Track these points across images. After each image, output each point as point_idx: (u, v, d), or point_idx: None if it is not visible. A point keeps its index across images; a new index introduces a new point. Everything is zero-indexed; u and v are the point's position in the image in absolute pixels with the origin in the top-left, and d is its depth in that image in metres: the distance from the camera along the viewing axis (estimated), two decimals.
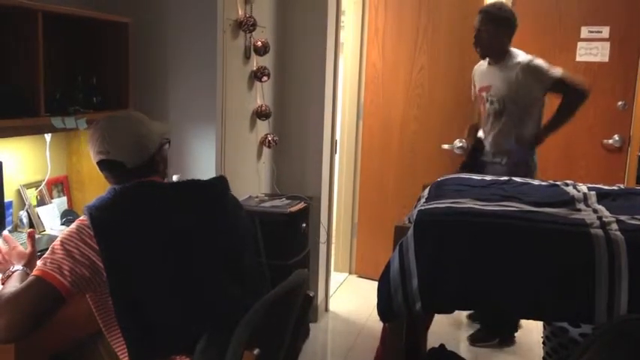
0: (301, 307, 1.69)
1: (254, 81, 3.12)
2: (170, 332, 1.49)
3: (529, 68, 3.07)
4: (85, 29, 2.42)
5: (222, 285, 1.59)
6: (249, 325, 1.41)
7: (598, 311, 1.67)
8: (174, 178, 2.55)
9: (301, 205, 3.11)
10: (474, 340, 3.29)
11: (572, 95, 3.09)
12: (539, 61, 3.10)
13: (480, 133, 3.36)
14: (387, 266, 1.89)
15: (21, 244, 1.71)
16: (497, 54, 3.17)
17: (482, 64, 3.33)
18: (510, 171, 2.96)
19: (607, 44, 3.81)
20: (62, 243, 1.47)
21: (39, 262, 1.48)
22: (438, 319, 3.09)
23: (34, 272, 1.46)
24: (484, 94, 3.24)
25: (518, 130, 3.14)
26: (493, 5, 3.24)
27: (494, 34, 3.13)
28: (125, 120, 1.69)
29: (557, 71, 3.08)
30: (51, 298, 1.42)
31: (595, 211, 1.91)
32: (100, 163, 1.64)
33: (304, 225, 3.14)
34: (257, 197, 3.16)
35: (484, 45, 3.17)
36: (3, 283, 1.58)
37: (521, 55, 3.16)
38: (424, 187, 2.39)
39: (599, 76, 3.81)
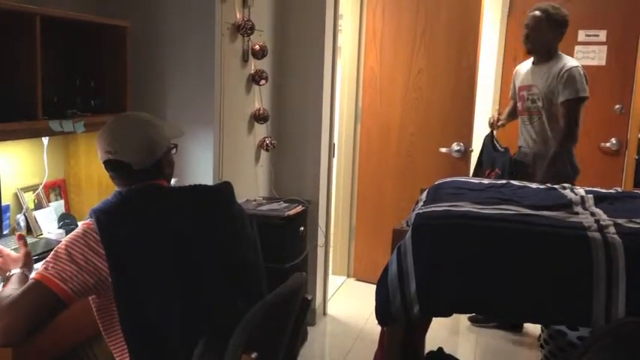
0: (299, 311, 1.69)
1: (252, 84, 3.12)
2: (170, 337, 1.49)
3: (568, 72, 3.11)
4: (83, 33, 2.42)
5: (224, 290, 1.59)
6: (247, 329, 1.41)
7: (596, 314, 1.67)
8: (172, 181, 2.55)
9: (299, 208, 3.11)
10: (473, 320, 3.46)
11: (565, 125, 3.12)
12: (580, 72, 3.12)
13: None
14: (385, 270, 1.89)
15: (14, 249, 1.71)
16: (546, 54, 3.22)
17: (525, 65, 3.38)
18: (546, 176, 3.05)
19: (604, 48, 3.83)
20: (67, 247, 1.46)
21: (40, 266, 1.47)
22: (437, 322, 3.09)
23: (35, 276, 1.45)
24: (524, 92, 3.29)
25: (554, 132, 3.17)
26: (552, 6, 3.26)
27: (547, 34, 3.19)
28: (135, 121, 1.68)
29: (580, 92, 3.09)
30: (51, 303, 1.41)
31: (592, 214, 1.91)
32: (106, 163, 1.62)
33: (302, 228, 3.14)
34: (255, 200, 3.16)
35: (536, 43, 3.22)
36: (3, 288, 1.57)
37: (568, 60, 3.21)
38: (422, 191, 2.39)
39: (597, 79, 3.82)
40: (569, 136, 3.14)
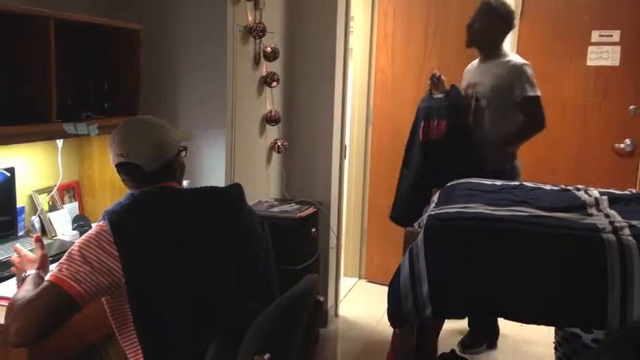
0: (311, 312, 1.69)
1: (264, 86, 3.13)
2: (183, 338, 1.50)
3: (517, 69, 2.99)
4: (96, 36, 2.44)
5: (236, 291, 1.59)
6: (259, 330, 1.41)
7: (610, 317, 1.66)
8: (185, 183, 2.56)
9: (311, 210, 3.11)
10: (464, 346, 3.23)
11: (532, 120, 3.00)
12: (530, 71, 3.01)
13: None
14: (397, 271, 1.89)
15: (31, 249, 1.73)
16: (489, 49, 3.10)
17: (474, 63, 3.26)
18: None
19: (617, 48, 3.79)
20: (80, 249, 1.48)
21: (54, 268, 1.48)
22: (449, 324, 3.08)
23: (49, 278, 1.46)
24: (470, 90, 3.16)
25: (497, 131, 3.04)
26: (496, 0, 3.12)
27: (489, 28, 3.06)
28: (146, 124, 1.69)
29: (535, 90, 2.99)
30: (65, 304, 1.42)
31: (607, 216, 1.89)
32: (118, 166, 1.64)
33: (314, 230, 3.14)
34: (266, 202, 3.16)
35: (478, 37, 3.10)
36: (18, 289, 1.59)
37: (515, 56, 3.11)
38: (434, 192, 2.39)
39: (610, 80, 3.79)
40: (537, 123, 3.01)
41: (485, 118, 3.07)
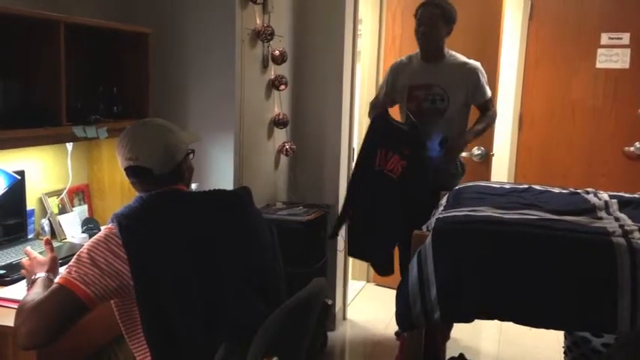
0: (319, 316, 1.69)
1: (272, 90, 3.14)
2: (192, 340, 1.50)
3: (477, 73, 3.03)
4: (106, 39, 2.46)
5: (244, 294, 1.60)
6: (267, 334, 1.41)
7: (621, 321, 1.64)
8: (193, 186, 2.57)
9: (319, 213, 3.11)
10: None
11: (493, 115, 3.15)
12: (483, 71, 3.07)
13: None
14: (406, 274, 1.88)
15: (41, 252, 1.74)
16: (440, 51, 3.07)
17: (410, 61, 3.16)
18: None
19: (627, 51, 3.78)
20: (89, 251, 1.48)
21: (64, 270, 1.49)
22: (458, 327, 3.07)
23: (58, 280, 1.47)
24: (420, 92, 3.05)
25: (455, 131, 3.03)
26: (446, 2, 3.03)
27: (444, 31, 3.02)
28: (154, 127, 1.70)
29: (489, 90, 3.10)
30: (74, 307, 1.43)
31: (617, 219, 1.88)
32: (127, 170, 1.64)
33: (322, 233, 3.14)
34: (275, 205, 3.17)
35: (433, 42, 3.03)
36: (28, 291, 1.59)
37: (463, 57, 3.09)
38: (442, 195, 2.38)
39: (620, 82, 3.77)
40: (494, 118, 3.17)
41: (445, 118, 3.03)
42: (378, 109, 3.15)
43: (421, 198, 2.72)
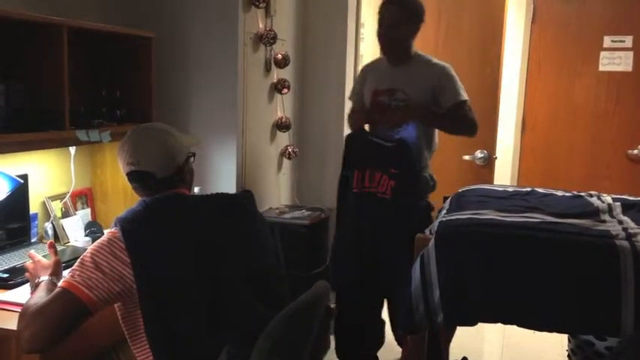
0: (322, 319, 1.69)
1: (274, 93, 3.14)
2: (195, 343, 1.50)
3: (447, 72, 2.69)
4: (109, 43, 2.46)
5: (247, 297, 1.60)
6: (270, 337, 1.41)
7: (624, 324, 1.64)
8: (196, 190, 2.58)
9: (321, 216, 3.11)
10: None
11: (469, 121, 2.68)
12: (453, 72, 2.72)
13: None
14: (409, 278, 1.88)
15: (44, 255, 1.74)
16: (406, 53, 2.72)
17: (379, 64, 2.84)
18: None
19: (630, 54, 3.77)
20: (92, 255, 1.48)
21: (67, 274, 1.49)
22: (461, 330, 3.06)
23: (62, 284, 1.47)
24: (384, 98, 2.71)
25: (421, 139, 2.67)
26: None
27: (408, 32, 2.68)
28: (154, 131, 1.71)
29: (465, 94, 2.69)
30: (77, 311, 1.43)
31: (620, 222, 1.88)
32: (130, 174, 1.65)
33: (324, 236, 3.14)
34: (277, 209, 3.17)
35: (396, 44, 2.69)
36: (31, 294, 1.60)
37: (432, 57, 2.77)
38: (445, 199, 2.38)
39: (623, 85, 3.77)
40: (472, 127, 2.69)
41: (408, 128, 2.63)
42: (354, 120, 2.84)
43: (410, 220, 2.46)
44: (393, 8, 2.66)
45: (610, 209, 2.03)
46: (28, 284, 1.69)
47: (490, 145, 3.73)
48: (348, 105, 3.44)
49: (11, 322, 1.55)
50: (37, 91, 2.08)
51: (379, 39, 2.71)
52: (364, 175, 2.63)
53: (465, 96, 2.69)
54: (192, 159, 1.74)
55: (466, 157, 3.78)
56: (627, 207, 2.06)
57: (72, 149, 2.46)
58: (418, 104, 2.65)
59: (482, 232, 1.81)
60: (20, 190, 2.20)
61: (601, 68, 3.83)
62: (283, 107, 3.22)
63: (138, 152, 1.63)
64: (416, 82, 2.69)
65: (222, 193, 1.76)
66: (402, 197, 2.56)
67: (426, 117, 2.68)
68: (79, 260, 1.49)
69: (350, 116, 2.95)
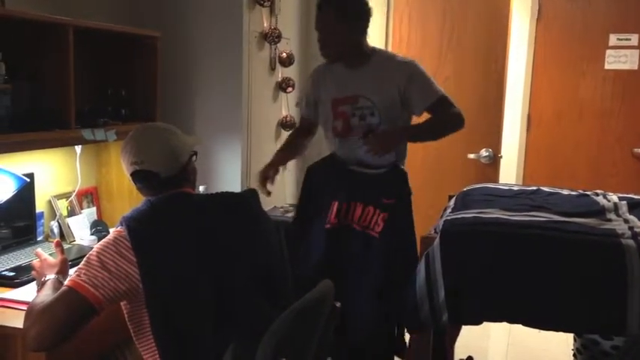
0: (327, 318, 1.69)
1: (279, 92, 3.15)
2: (201, 342, 1.51)
3: (418, 72, 2.32)
4: (115, 43, 2.47)
5: (252, 296, 1.60)
6: (275, 335, 1.41)
7: (630, 323, 1.63)
8: (201, 189, 2.58)
9: None
10: None
11: (453, 117, 2.34)
12: (421, 67, 2.35)
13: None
14: (414, 277, 1.88)
15: (50, 254, 1.75)
16: (358, 54, 2.34)
17: (333, 67, 2.39)
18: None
19: (636, 52, 3.75)
20: (98, 254, 1.48)
21: (73, 273, 1.50)
22: (466, 329, 3.06)
23: (68, 283, 1.47)
24: (345, 107, 2.33)
25: (397, 155, 2.37)
26: None
27: (348, 31, 2.29)
28: (156, 130, 1.71)
29: (439, 87, 2.36)
30: (83, 310, 1.43)
31: (626, 221, 1.87)
32: (134, 175, 1.65)
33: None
34: (282, 207, 3.17)
35: (337, 48, 2.31)
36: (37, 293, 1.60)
37: (394, 54, 2.46)
38: (450, 198, 2.37)
39: (628, 83, 3.75)
40: (460, 121, 2.34)
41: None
42: (292, 137, 2.57)
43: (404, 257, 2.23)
44: (320, 14, 2.30)
45: (616, 208, 2.03)
46: (35, 282, 1.70)
47: (495, 143, 3.73)
48: None
49: (17, 321, 1.55)
50: (42, 90, 2.08)
51: (320, 52, 2.35)
52: (347, 209, 2.30)
53: (440, 90, 2.33)
54: (194, 157, 1.75)
55: (471, 156, 3.77)
56: (633, 206, 2.06)
57: (78, 148, 2.47)
58: (387, 114, 2.30)
59: (488, 231, 1.80)
60: (26, 188, 2.20)
61: (607, 66, 3.81)
62: (288, 106, 3.22)
63: (141, 152, 1.63)
64: (379, 84, 2.31)
65: (226, 192, 1.76)
66: (393, 232, 2.26)
67: (413, 136, 2.41)
68: (85, 259, 1.50)
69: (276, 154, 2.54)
